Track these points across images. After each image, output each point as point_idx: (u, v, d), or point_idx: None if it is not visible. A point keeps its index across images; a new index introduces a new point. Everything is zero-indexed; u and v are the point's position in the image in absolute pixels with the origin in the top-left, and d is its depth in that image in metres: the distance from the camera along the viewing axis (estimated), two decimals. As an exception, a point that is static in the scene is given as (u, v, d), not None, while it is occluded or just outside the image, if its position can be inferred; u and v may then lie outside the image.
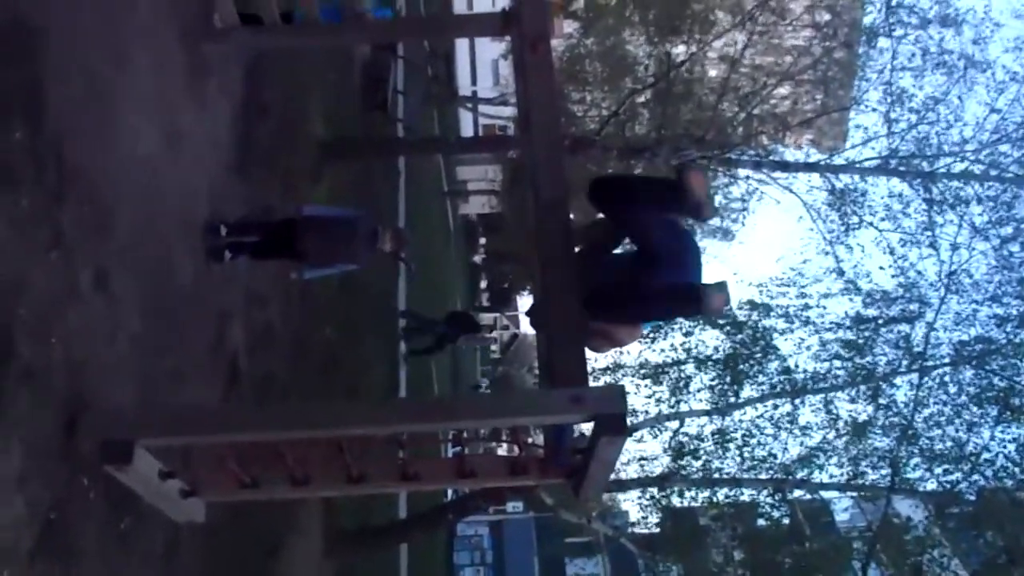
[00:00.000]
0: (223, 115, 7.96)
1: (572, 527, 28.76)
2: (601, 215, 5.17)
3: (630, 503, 15.67)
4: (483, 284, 56.59)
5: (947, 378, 12.65)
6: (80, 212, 5.24)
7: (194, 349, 6.93)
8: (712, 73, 17.65)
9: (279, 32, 7.15)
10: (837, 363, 13.34)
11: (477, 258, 53.78)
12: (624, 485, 13.08)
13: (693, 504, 13.88)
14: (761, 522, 13.67)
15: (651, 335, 12.76)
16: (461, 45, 41.11)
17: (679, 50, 16.88)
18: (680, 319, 5.20)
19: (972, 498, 12.30)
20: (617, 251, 5.45)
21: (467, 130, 38.67)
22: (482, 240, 51.81)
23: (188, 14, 6.96)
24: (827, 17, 15.49)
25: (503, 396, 4.85)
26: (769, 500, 12.92)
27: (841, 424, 12.70)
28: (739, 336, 13.65)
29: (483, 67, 44.59)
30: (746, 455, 12.75)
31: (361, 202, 13.71)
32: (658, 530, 14.59)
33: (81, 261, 5.24)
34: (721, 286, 4.87)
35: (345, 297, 12.13)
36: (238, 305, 8.06)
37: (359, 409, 4.98)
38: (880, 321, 13.41)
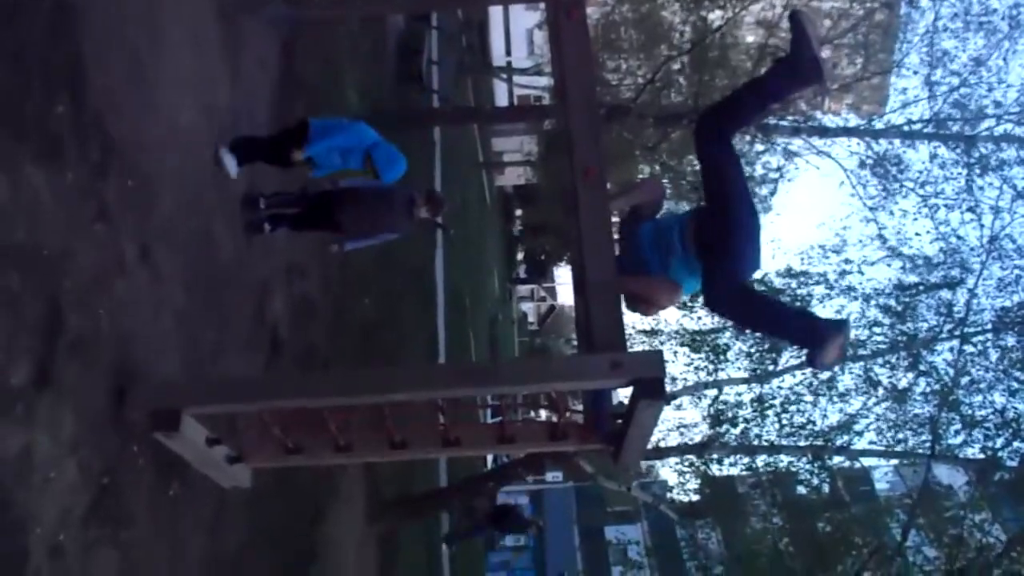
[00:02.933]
0: (260, 89, 8.03)
1: (611, 495, 28.92)
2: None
3: (669, 470, 15.67)
4: (520, 256, 56.57)
5: (988, 344, 12.47)
6: (123, 186, 5.33)
7: (236, 321, 7.04)
8: (749, 39, 17.42)
9: (314, 3, 7.17)
10: (877, 330, 13.20)
11: (514, 230, 53.75)
12: (663, 453, 13.11)
13: (732, 472, 13.88)
14: (800, 490, 13.66)
15: (689, 302, 12.70)
16: (496, 14, 40.77)
17: (715, 15, 16.66)
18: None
19: (1014, 464, 12.18)
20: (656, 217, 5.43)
21: (502, 101, 38.48)
22: (518, 212, 51.74)
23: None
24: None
25: (543, 360, 4.86)
26: (808, 467, 12.87)
27: (881, 391, 12.59)
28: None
29: (518, 37, 44.24)
30: (784, 422, 12.70)
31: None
32: (697, 497, 14.63)
33: (126, 235, 5.33)
34: (841, 326, 4.64)
35: (384, 269, 12.23)
36: (278, 277, 8.16)
37: (400, 375, 5.05)
38: (921, 287, 13.24)
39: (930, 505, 11.99)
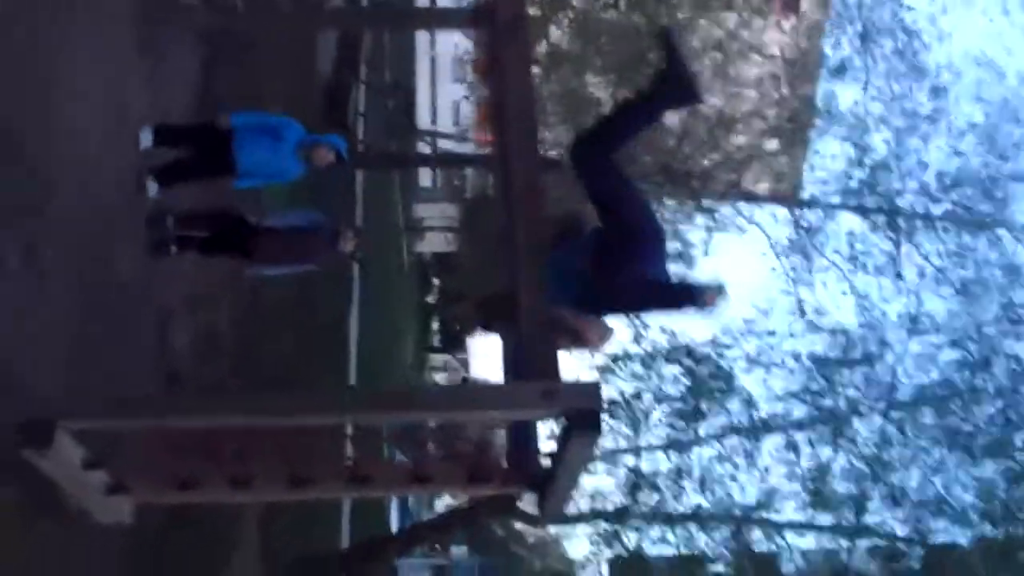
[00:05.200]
0: (176, 104, 7.56)
1: (517, 572, 28.11)
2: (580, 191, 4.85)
3: (579, 541, 15.25)
4: (435, 325, 55.94)
5: (907, 421, 12.50)
6: (9, 180, 4.81)
7: (132, 344, 6.44)
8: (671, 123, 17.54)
9: (235, 14, 6.81)
10: (797, 403, 13.14)
11: (430, 298, 53.24)
12: (577, 519, 12.67)
13: (644, 546, 13.50)
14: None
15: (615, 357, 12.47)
16: (423, 81, 41.07)
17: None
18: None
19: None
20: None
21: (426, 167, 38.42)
22: (435, 280, 51.37)
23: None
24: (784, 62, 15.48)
25: (466, 387, 4.47)
26: (725, 543, 12.59)
27: (803, 465, 12.47)
28: (698, 372, 13.40)
29: (444, 108, 44.60)
30: (705, 493, 12.44)
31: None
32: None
33: (10, 234, 4.80)
34: (720, 289, 4.60)
35: (298, 313, 11.65)
36: (183, 304, 7.58)
37: (309, 397, 4.55)
38: (841, 362, 13.25)
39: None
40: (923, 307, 13.06)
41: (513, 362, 4.74)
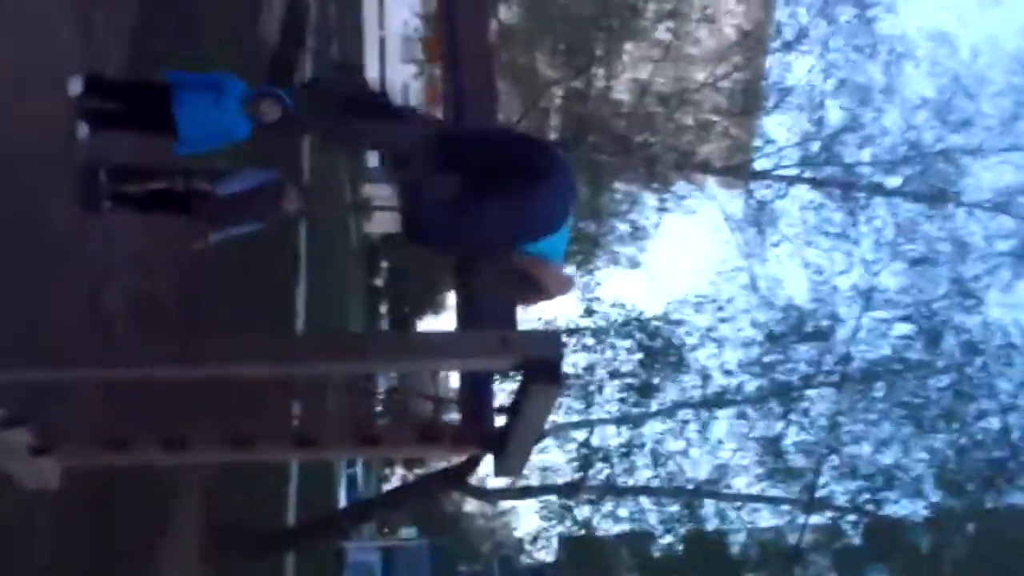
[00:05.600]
0: (110, 59, 7.13)
1: (467, 553, 27.93)
2: None
3: (530, 516, 15.10)
4: (383, 309, 55.38)
5: (859, 394, 12.51)
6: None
7: (60, 303, 6.04)
8: (624, 97, 17.39)
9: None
10: (748, 377, 13.08)
11: (379, 281, 52.63)
12: (527, 493, 12.49)
13: (597, 520, 13.36)
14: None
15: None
16: (372, 61, 40.39)
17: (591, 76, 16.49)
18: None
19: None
20: None
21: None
22: (384, 264, 50.76)
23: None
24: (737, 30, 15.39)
25: (420, 335, 4.21)
26: (678, 516, 12.50)
27: (755, 438, 12.42)
28: (650, 346, 13.28)
29: (393, 89, 44.02)
30: (657, 468, 12.32)
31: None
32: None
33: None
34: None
35: (241, 283, 11.22)
36: (118, 267, 7.17)
37: (249, 344, 4.22)
38: (793, 337, 13.21)
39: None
40: (876, 281, 13.03)
41: (467, 313, 4.49)
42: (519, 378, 4.26)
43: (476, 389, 4.63)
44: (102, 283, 6.87)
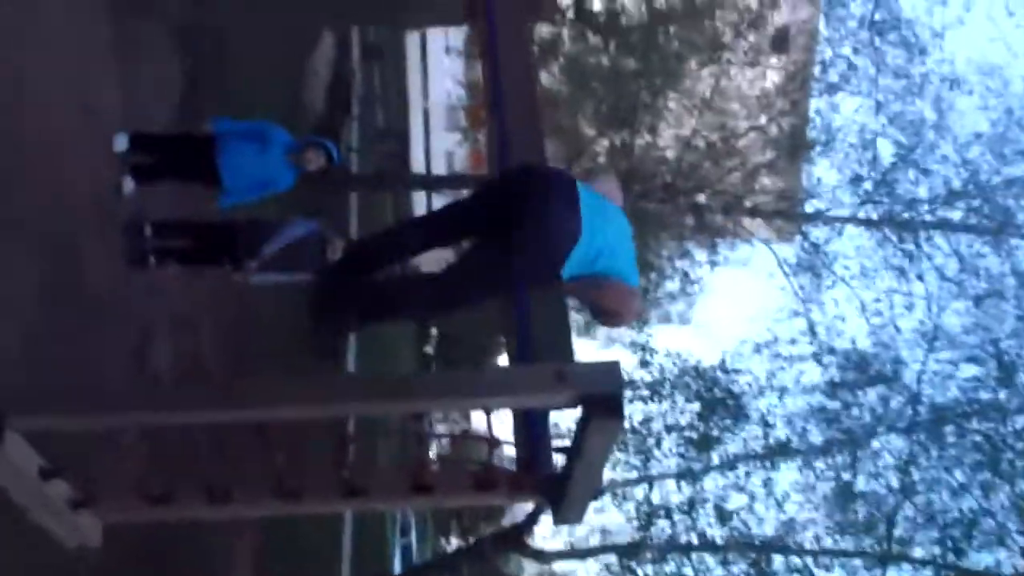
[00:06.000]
0: (153, 113, 7.17)
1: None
2: None
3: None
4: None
5: (931, 439, 11.96)
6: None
7: (106, 359, 5.94)
8: (668, 146, 17.26)
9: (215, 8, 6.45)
10: (812, 426, 12.60)
11: (428, 348, 52.66)
12: (588, 553, 12.05)
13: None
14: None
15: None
16: (416, 130, 40.99)
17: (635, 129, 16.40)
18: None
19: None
20: None
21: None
22: (433, 330, 50.84)
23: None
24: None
25: (469, 372, 4.03)
26: (743, 573, 11.95)
27: (824, 490, 11.89)
28: (708, 396, 12.88)
29: (438, 157, 44.50)
30: (722, 523, 11.84)
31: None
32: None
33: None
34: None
35: (289, 342, 11.12)
36: (162, 325, 7.09)
37: (293, 385, 4.01)
38: (857, 383, 12.73)
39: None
40: (940, 320, 12.55)
41: (519, 349, 4.27)
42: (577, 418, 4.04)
43: (532, 430, 4.38)
44: (147, 340, 6.79)
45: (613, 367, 3.99)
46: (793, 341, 13.07)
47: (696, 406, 13.01)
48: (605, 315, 4.36)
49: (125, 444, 4.32)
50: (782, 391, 12.96)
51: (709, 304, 17.12)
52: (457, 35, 32.97)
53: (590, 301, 4.41)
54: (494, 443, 4.38)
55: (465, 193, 4.45)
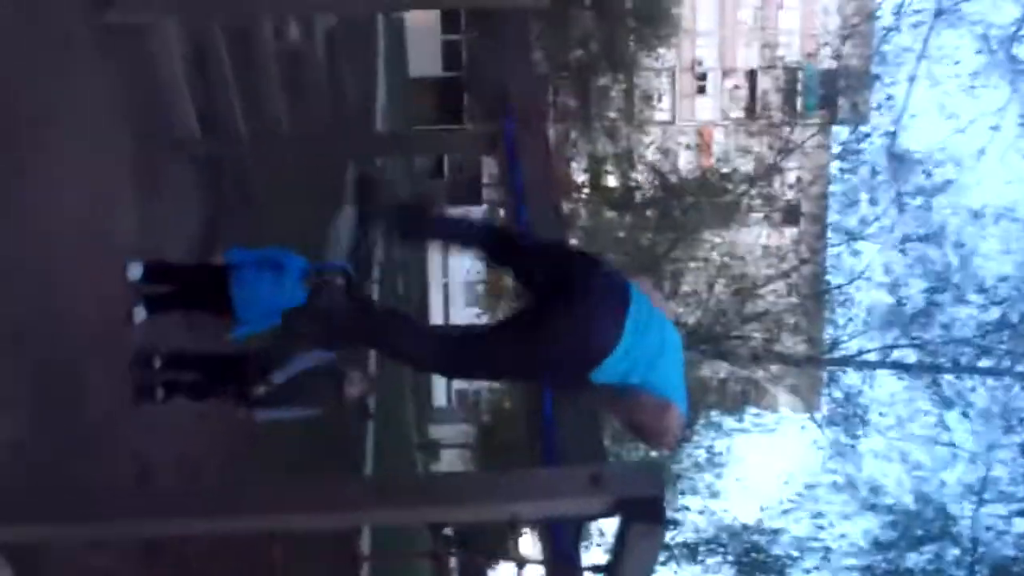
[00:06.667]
0: (171, 246, 7.08)
1: None
2: None
3: None
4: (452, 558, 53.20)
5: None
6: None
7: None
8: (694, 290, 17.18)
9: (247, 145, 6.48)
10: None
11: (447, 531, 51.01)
12: None
13: None
14: None
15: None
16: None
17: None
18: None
19: None
20: None
21: (439, 383, 37.96)
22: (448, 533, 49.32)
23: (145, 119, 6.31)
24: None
25: (494, 475, 3.64)
26: None
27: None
28: (747, 561, 12.09)
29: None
30: None
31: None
32: None
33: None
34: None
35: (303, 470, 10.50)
36: (165, 463, 6.70)
37: (297, 490, 3.63)
38: (904, 542, 11.94)
39: None
40: (987, 472, 11.88)
41: (545, 450, 3.90)
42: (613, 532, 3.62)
43: (562, 544, 3.93)
44: (145, 478, 6.40)
45: (652, 468, 3.64)
46: (842, 492, 12.35)
47: (733, 571, 12.22)
48: (640, 432, 3.98)
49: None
50: (826, 553, 12.17)
51: (740, 466, 16.46)
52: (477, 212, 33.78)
53: (624, 417, 4.04)
54: (523, 562, 3.94)
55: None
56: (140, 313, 6.15)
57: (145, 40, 6.76)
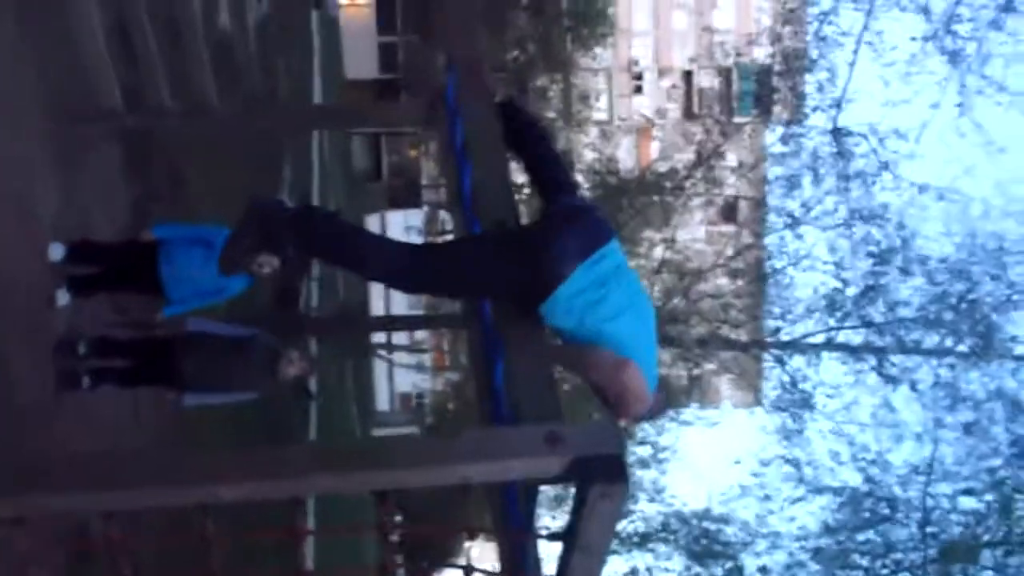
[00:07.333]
0: (94, 223, 6.73)
1: None
2: None
3: None
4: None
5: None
6: None
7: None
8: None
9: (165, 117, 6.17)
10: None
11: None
12: None
13: None
14: None
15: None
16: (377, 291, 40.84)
17: None
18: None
19: None
20: None
21: (382, 387, 37.53)
22: (398, 517, 48.97)
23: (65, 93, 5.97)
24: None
25: (448, 438, 3.44)
26: None
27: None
28: (695, 548, 12.05)
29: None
30: None
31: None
32: None
33: None
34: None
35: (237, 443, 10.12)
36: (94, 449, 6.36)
37: (237, 459, 3.37)
38: (853, 523, 12.01)
39: None
40: (932, 452, 12.01)
41: (495, 408, 3.69)
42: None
43: (513, 509, 3.72)
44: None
45: (609, 427, 3.47)
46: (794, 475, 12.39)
47: (683, 559, 12.17)
48: (603, 395, 3.80)
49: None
50: (775, 538, 12.19)
51: (687, 455, 16.45)
52: (416, 216, 33.44)
53: (583, 373, 3.86)
54: (473, 532, 3.74)
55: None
56: (63, 296, 5.82)
57: (65, 12, 6.43)
